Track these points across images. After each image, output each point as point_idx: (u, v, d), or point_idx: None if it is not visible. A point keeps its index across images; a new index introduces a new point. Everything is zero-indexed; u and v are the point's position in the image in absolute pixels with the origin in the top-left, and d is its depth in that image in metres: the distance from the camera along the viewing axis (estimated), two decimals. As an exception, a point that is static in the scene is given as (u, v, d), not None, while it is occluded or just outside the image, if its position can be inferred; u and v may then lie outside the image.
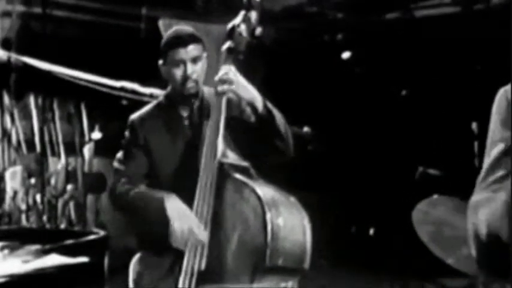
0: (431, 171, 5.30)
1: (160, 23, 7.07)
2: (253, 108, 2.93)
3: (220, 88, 2.91)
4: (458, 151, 6.36)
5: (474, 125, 6.66)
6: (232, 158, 2.90)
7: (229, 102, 2.95)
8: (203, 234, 2.80)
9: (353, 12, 7.31)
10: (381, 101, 7.08)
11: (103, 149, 6.92)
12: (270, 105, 2.96)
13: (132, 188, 3.04)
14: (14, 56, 5.90)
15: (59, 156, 6.82)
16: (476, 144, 6.61)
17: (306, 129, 5.29)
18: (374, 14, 7.27)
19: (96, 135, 7.03)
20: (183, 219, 2.84)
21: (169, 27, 7.02)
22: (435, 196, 3.61)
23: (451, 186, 5.33)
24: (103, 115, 7.09)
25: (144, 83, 5.23)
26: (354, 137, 7.21)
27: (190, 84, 3.06)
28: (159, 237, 2.90)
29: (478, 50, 6.45)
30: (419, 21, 7.07)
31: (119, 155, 3.19)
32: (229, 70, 2.91)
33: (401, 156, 6.74)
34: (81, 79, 5.56)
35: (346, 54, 7.29)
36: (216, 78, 2.94)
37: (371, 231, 7.01)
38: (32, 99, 6.76)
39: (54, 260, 3.36)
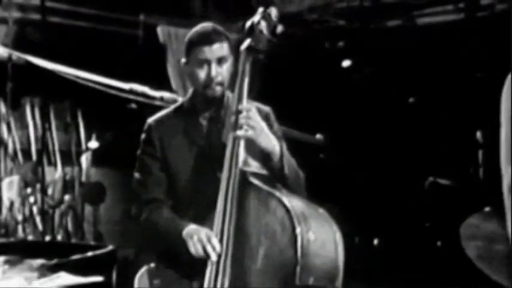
0: (442, 181, 5.20)
1: (159, 30, 7.02)
2: (267, 157, 2.70)
3: (238, 133, 2.65)
4: (464, 160, 6.29)
5: (478, 134, 6.59)
6: (255, 166, 2.70)
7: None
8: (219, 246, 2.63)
9: (354, 19, 7.23)
10: (383, 110, 7.00)
11: (101, 159, 6.81)
12: (285, 153, 2.73)
13: (154, 217, 2.86)
14: (16, 54, 5.75)
15: (55, 165, 6.70)
16: (480, 153, 6.55)
17: (318, 136, 5.16)
18: (375, 22, 7.20)
19: (93, 144, 6.91)
20: (201, 230, 2.69)
21: (167, 34, 7.02)
22: (487, 208, 3.45)
23: (461, 196, 5.26)
24: (100, 124, 6.99)
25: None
26: (360, 146, 7.11)
27: (214, 88, 2.83)
28: (178, 254, 2.75)
29: (481, 57, 6.40)
30: (422, 29, 7.00)
31: (136, 174, 2.97)
32: (250, 112, 2.67)
33: (410, 165, 6.66)
34: (87, 79, 5.39)
35: (346, 62, 7.21)
36: (234, 119, 2.67)
37: (375, 242, 6.92)
38: (28, 108, 6.64)
39: (64, 279, 3.19)
